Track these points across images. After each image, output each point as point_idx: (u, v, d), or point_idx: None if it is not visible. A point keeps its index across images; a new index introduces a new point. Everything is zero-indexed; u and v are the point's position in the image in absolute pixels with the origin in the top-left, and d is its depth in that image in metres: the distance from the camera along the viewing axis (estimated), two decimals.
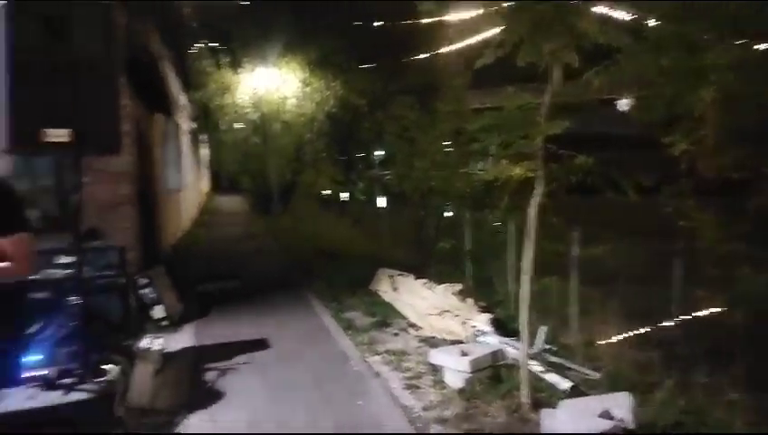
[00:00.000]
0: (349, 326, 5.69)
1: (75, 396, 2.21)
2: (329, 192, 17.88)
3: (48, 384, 2.32)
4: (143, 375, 3.80)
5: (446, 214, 8.53)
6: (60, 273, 4.11)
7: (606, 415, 3.12)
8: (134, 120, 6.30)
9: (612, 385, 3.75)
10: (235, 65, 16.74)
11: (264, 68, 16.58)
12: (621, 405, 3.14)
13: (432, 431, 3.47)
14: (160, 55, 9.59)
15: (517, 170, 3.65)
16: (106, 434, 2.25)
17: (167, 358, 4.49)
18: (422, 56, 11.72)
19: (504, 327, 4.94)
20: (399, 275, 6.49)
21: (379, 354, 4.83)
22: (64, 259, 4.16)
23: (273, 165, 17.41)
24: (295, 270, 8.97)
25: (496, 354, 4.28)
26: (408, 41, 12.09)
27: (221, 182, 29.01)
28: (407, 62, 12.30)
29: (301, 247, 10.84)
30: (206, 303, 6.60)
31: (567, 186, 3.82)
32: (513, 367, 4.09)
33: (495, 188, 4.86)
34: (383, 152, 16.95)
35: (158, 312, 5.60)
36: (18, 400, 2.16)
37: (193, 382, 4.27)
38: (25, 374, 2.95)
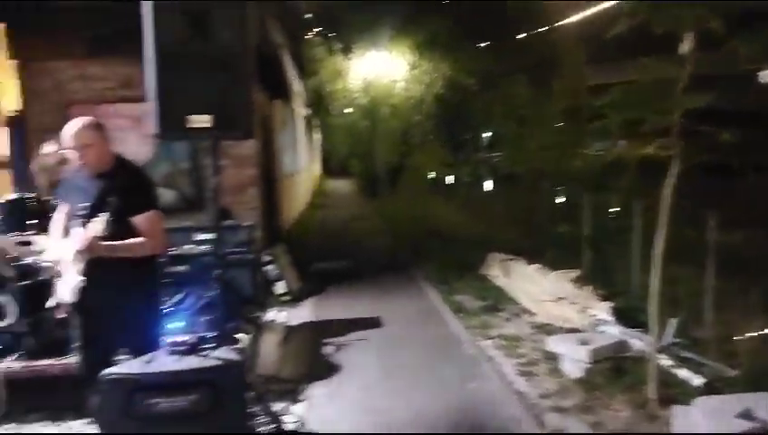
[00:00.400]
0: (459, 309, 5.69)
1: (214, 361, 2.39)
2: (434, 175, 17.87)
3: (190, 349, 2.55)
4: (269, 345, 4.08)
5: (559, 197, 8.18)
6: (198, 248, 4.50)
7: (746, 415, 2.84)
8: (259, 107, 6.69)
9: (753, 384, 3.41)
10: (347, 51, 17.15)
11: (374, 52, 16.84)
12: (765, 406, 2.85)
13: (549, 420, 3.38)
14: (280, 45, 10.07)
15: (648, 149, 3.38)
16: (240, 397, 2.44)
17: (289, 331, 4.78)
18: (535, 32, 11.24)
19: (626, 317, 4.66)
20: (511, 259, 6.35)
21: (491, 339, 4.78)
22: (201, 236, 4.55)
23: (382, 148, 17.71)
24: (404, 252, 9.09)
25: (619, 345, 4.06)
26: (520, 17, 11.66)
27: (331, 166, 29.99)
28: (519, 38, 11.87)
29: (409, 230, 10.97)
30: (321, 281, 6.91)
31: (704, 166, 3.49)
32: (639, 359, 3.86)
33: (618, 168, 4.57)
34: (491, 133, 16.60)
35: (280, 287, 5.96)
36: (166, 361, 2.40)
37: (313, 355, 4.51)
38: (169, 339, 3.28)
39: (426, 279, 7.08)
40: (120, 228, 2.66)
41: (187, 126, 2.54)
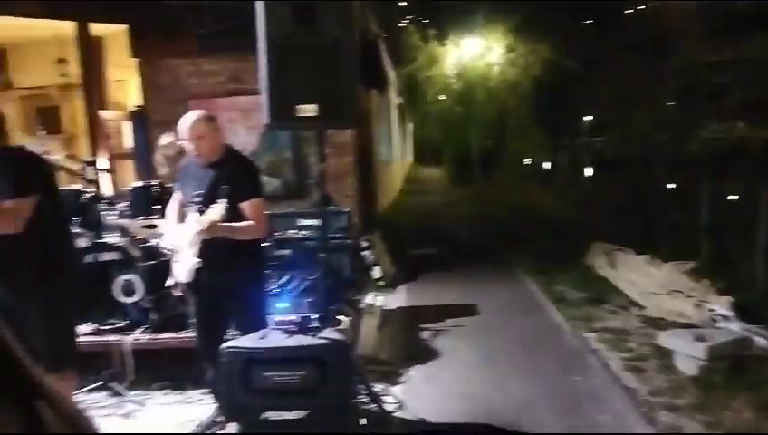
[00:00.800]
0: (559, 299, 5.50)
1: (322, 339, 2.50)
2: (530, 161, 17.31)
3: (299, 328, 2.68)
4: (368, 328, 4.19)
5: (671, 183, 7.62)
6: (300, 233, 4.70)
7: None
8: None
9: None
10: (442, 37, 16.99)
11: (469, 37, 16.55)
12: None
13: (660, 418, 3.19)
14: (377, 34, 10.18)
15: None
16: (347, 375, 2.53)
17: (386, 315, 4.87)
18: (644, 5, 10.47)
19: (749, 313, 4.28)
20: (618, 249, 6.03)
21: (595, 331, 4.58)
22: (304, 222, 4.74)
23: (476, 134, 17.43)
24: (499, 240, 8.93)
25: (740, 342, 3.74)
26: None
27: (423, 154, 30.00)
28: (627, 13, 11.11)
29: (504, 217, 10.74)
30: (415, 267, 6.96)
31: None
32: (762, 358, 3.54)
33: (739, 152, 4.17)
34: (593, 117, 15.77)
35: (376, 273, 6.08)
36: (278, 338, 2.53)
37: (410, 339, 4.58)
38: (277, 318, 3.45)
39: (523, 268, 6.91)
40: (229, 214, 2.85)
41: (296, 115, 2.64)
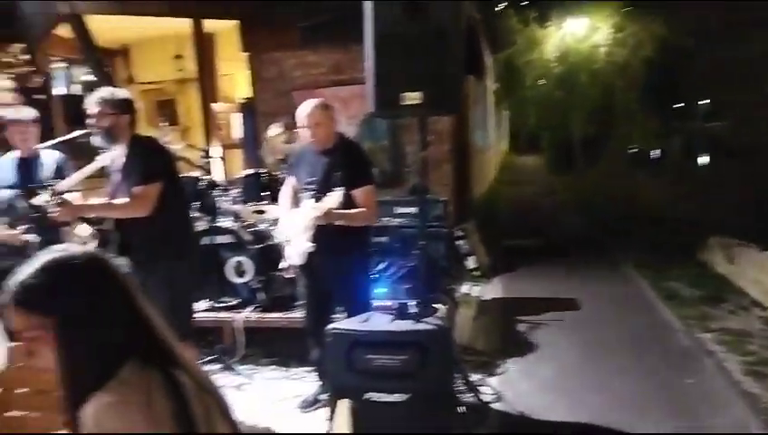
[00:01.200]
0: (670, 296, 5.16)
1: (423, 325, 2.53)
2: (636, 148, 16.22)
3: (399, 313, 2.73)
4: (464, 317, 4.18)
5: None
6: (398, 221, 4.76)
7: None
8: None
9: None
10: (543, 20, 16.31)
11: (573, 18, 15.73)
12: None
13: None
14: (475, 20, 10.00)
15: None
16: (447, 361, 2.55)
17: (483, 305, 4.83)
18: None
19: None
20: (738, 244, 5.53)
21: (711, 332, 4.26)
22: (401, 209, 4.80)
23: (577, 120, 16.60)
24: (603, 231, 8.51)
25: None
26: None
27: (519, 142, 29.13)
28: None
29: (608, 207, 10.21)
30: (511, 258, 6.82)
31: None
32: None
33: None
34: (709, 100, 14.49)
35: (471, 263, 6.03)
36: (380, 322, 2.60)
37: (507, 331, 4.51)
38: (377, 302, 3.55)
39: (629, 262, 6.55)
40: (343, 200, 2.94)
41: (401, 103, 2.68)
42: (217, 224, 4.33)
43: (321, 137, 3.07)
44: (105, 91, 2.98)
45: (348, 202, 2.93)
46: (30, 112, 3.73)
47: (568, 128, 17.11)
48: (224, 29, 8.13)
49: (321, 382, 3.36)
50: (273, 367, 3.96)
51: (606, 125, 16.69)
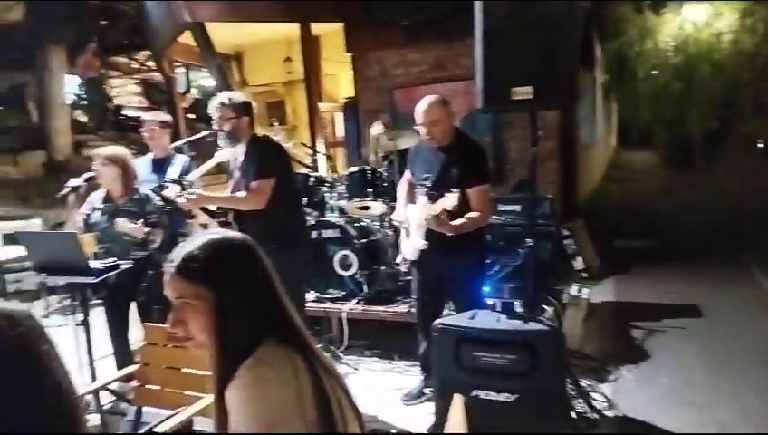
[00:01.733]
0: None
1: (534, 325, 2.46)
2: (762, 144, 14.62)
3: (506, 312, 2.67)
4: (573, 320, 4.01)
5: None
6: (501, 219, 4.67)
7: None
8: None
9: None
10: (658, 7, 15.20)
11: (693, 4, 14.51)
12: None
13: None
14: (584, 9, 9.54)
15: None
16: (559, 364, 2.45)
17: (592, 308, 4.60)
18: None
19: None
20: None
21: None
22: (505, 207, 4.70)
23: (697, 114, 15.30)
24: (727, 233, 7.78)
25: None
26: None
27: (629, 136, 27.37)
28: None
29: (732, 208, 9.32)
30: (623, 259, 6.43)
31: None
32: None
33: None
34: None
35: (579, 263, 5.76)
36: (488, 319, 2.56)
37: (619, 336, 4.27)
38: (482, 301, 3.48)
39: (761, 268, 5.93)
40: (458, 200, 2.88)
41: (511, 99, 2.62)
42: (325, 218, 4.48)
43: (437, 133, 3.04)
44: (226, 96, 3.19)
45: (462, 202, 2.83)
46: (162, 116, 4.10)
47: (685, 122, 15.80)
48: (329, 31, 8.40)
49: (424, 377, 3.38)
50: (376, 359, 4.03)
51: (729, 119, 15.24)
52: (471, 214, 2.92)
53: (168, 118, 4.08)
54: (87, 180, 3.39)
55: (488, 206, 3.08)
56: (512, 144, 6.38)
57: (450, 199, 2.69)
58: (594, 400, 3.20)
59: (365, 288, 4.32)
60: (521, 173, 6.15)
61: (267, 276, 1.30)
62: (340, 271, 4.35)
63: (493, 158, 6.52)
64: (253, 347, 1.21)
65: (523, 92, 2.59)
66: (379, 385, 3.60)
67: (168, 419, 1.97)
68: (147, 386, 2.32)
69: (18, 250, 4.78)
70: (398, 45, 6.76)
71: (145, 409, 2.29)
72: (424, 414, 3.17)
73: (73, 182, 3.35)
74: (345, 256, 4.35)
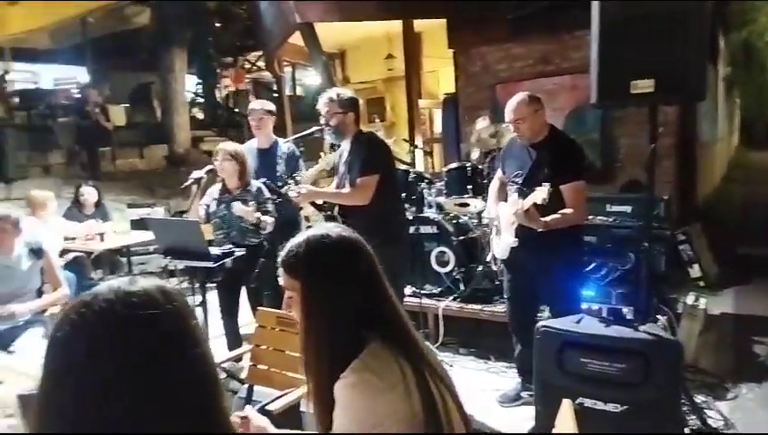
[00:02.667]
0: None
1: (647, 334, 2.31)
2: None
3: (615, 318, 2.54)
4: (687, 331, 3.73)
5: None
6: (609, 220, 4.43)
7: None
8: None
9: None
10: None
11: None
12: None
13: None
14: None
15: None
16: (675, 378, 2.29)
17: (710, 319, 4.25)
18: None
19: None
20: None
21: None
22: (613, 208, 4.45)
23: None
24: None
25: None
26: None
27: (754, 134, 24.89)
28: None
29: None
30: (746, 269, 5.86)
31: None
32: None
33: None
34: None
35: (695, 271, 5.35)
36: (595, 325, 2.45)
37: (740, 352, 3.91)
38: (585, 305, 3.34)
39: None
40: (550, 196, 2.82)
41: (629, 92, 2.48)
42: (423, 214, 4.50)
43: (525, 131, 3.01)
44: (334, 92, 3.30)
45: (556, 199, 2.80)
46: (267, 105, 4.30)
47: None
48: (430, 27, 8.42)
49: (521, 379, 3.30)
50: (471, 358, 4.00)
51: None
52: (563, 211, 2.83)
53: (272, 107, 4.28)
54: (208, 172, 3.65)
55: (583, 203, 2.97)
56: (622, 141, 6.04)
57: (539, 193, 2.64)
58: (709, 417, 2.97)
59: (461, 286, 4.29)
60: (631, 172, 5.80)
61: (370, 274, 1.30)
62: (436, 267, 4.36)
63: (602, 155, 6.22)
64: (353, 345, 1.22)
65: (644, 86, 2.45)
66: (474, 385, 3.56)
67: (277, 398, 2.08)
68: (258, 366, 2.47)
69: (144, 235, 5.27)
70: (502, 40, 6.62)
71: (256, 388, 2.43)
72: (520, 418, 3.10)
73: (196, 174, 3.62)
74: (442, 252, 4.35)
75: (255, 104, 4.29)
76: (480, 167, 4.67)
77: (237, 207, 3.48)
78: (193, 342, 0.79)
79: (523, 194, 2.92)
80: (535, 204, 2.72)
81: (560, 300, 3.03)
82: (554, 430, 1.48)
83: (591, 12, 2.56)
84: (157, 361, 0.75)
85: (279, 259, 1.34)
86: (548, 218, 2.79)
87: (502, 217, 3.14)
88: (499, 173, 3.36)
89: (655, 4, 2.40)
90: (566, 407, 1.48)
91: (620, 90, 2.50)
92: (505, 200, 3.17)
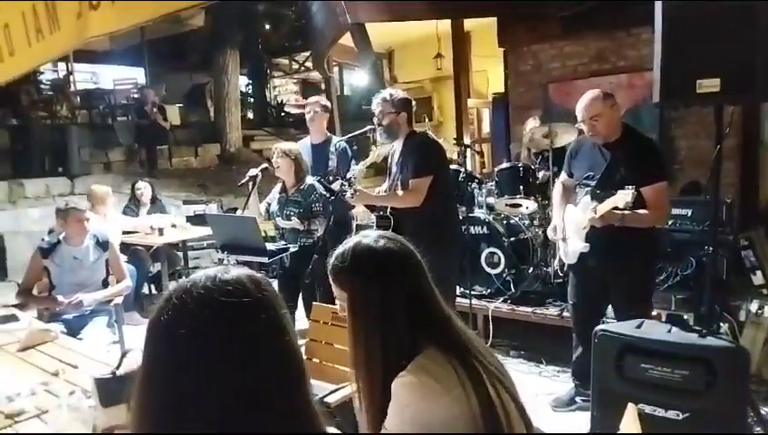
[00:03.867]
0: None
1: (712, 341, 2.23)
2: None
3: (678, 325, 2.45)
4: (751, 340, 3.57)
5: None
6: (668, 224, 4.27)
7: None
8: None
9: None
10: None
11: None
12: None
13: None
14: None
15: None
16: (741, 388, 2.20)
17: None
18: None
19: None
20: None
21: None
22: (674, 211, 4.30)
23: None
24: None
25: None
26: None
27: None
28: None
29: None
30: None
31: None
32: None
33: None
34: None
35: (758, 278, 5.09)
36: (658, 331, 2.39)
37: None
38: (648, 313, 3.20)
39: None
40: (631, 201, 2.63)
41: (695, 92, 2.39)
42: (473, 215, 4.47)
43: (601, 129, 2.86)
44: (387, 92, 3.32)
45: (636, 201, 2.65)
46: (323, 100, 4.37)
47: None
48: (479, 26, 8.34)
49: (576, 384, 3.24)
50: (522, 360, 3.95)
51: None
52: (640, 210, 2.71)
53: (327, 103, 4.35)
54: (263, 170, 3.75)
55: (665, 205, 2.88)
56: (681, 142, 5.82)
57: (622, 196, 2.53)
58: None
59: (512, 287, 4.25)
60: (690, 174, 5.59)
61: (418, 281, 1.29)
62: (487, 268, 4.33)
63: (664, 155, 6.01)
64: (405, 350, 1.22)
65: (710, 85, 2.36)
66: (526, 388, 3.52)
67: (333, 392, 2.12)
68: (312, 359, 2.52)
69: (199, 231, 5.44)
70: (554, 38, 6.49)
71: (312, 381, 2.48)
72: (574, 423, 3.05)
73: (252, 172, 3.72)
74: (492, 253, 4.32)
75: (311, 99, 4.39)
76: (533, 167, 4.60)
77: (284, 223, 3.61)
78: (284, 331, 0.83)
79: (597, 197, 2.80)
80: (617, 207, 2.62)
81: (631, 307, 2.87)
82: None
83: (654, 9, 2.48)
84: (252, 347, 0.78)
85: (328, 265, 1.37)
86: (628, 212, 2.67)
87: (570, 221, 3.03)
88: (563, 176, 3.24)
89: (721, 2, 2.31)
90: (631, 411, 1.46)
91: (685, 89, 2.41)
92: (572, 203, 3.06)
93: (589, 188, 2.89)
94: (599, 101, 2.86)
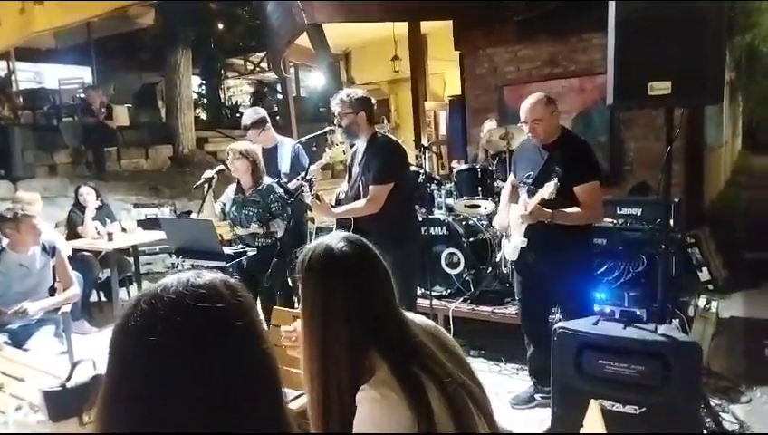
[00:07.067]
0: None
1: (664, 337, 2.31)
2: None
3: (631, 321, 2.53)
4: (700, 334, 3.73)
5: None
6: (619, 223, 4.41)
7: None
8: None
9: None
10: None
11: None
12: None
13: None
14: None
15: None
16: (694, 380, 2.28)
17: (720, 323, 4.25)
18: None
19: None
20: None
21: None
22: (623, 210, 4.44)
23: None
24: None
25: None
26: None
27: (756, 139, 24.87)
28: None
29: None
30: (755, 273, 5.85)
31: None
32: None
33: None
34: None
35: (704, 274, 5.33)
36: (613, 328, 2.45)
37: (752, 355, 3.90)
38: (598, 307, 3.32)
39: None
40: (562, 197, 2.82)
41: (647, 94, 2.47)
42: (433, 216, 4.49)
43: (540, 132, 3.01)
44: (345, 93, 3.29)
45: (569, 199, 2.81)
46: (257, 112, 4.23)
47: None
48: (436, 29, 8.41)
49: (534, 381, 3.29)
50: (482, 360, 3.98)
51: None
52: (572, 208, 2.83)
53: (263, 113, 4.19)
54: (219, 172, 3.65)
55: (597, 203, 2.98)
56: (631, 144, 6.03)
57: (546, 188, 2.66)
58: (725, 420, 2.96)
59: (472, 287, 4.28)
60: (639, 175, 5.80)
61: (374, 289, 1.25)
62: (446, 269, 4.35)
63: (610, 158, 6.20)
64: (363, 357, 1.19)
65: (661, 87, 2.44)
66: (486, 387, 3.53)
67: (296, 398, 2.06)
68: None
69: (150, 235, 5.26)
70: (510, 42, 6.61)
71: None
72: (535, 420, 3.09)
73: (208, 174, 3.61)
74: (452, 253, 4.34)
75: (246, 116, 4.18)
76: (490, 168, 4.66)
77: (240, 231, 3.57)
78: (259, 336, 0.79)
79: (532, 193, 2.93)
80: (543, 199, 2.73)
81: (571, 300, 3.03)
82: (582, 430, 1.47)
83: (608, 12, 2.55)
84: (228, 355, 0.75)
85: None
86: (558, 211, 2.80)
87: (512, 218, 3.14)
88: (511, 177, 3.36)
89: (672, 4, 2.39)
90: (594, 408, 1.47)
91: (637, 91, 2.49)
92: (516, 202, 3.17)
93: (527, 186, 3.00)
94: (541, 105, 2.98)
